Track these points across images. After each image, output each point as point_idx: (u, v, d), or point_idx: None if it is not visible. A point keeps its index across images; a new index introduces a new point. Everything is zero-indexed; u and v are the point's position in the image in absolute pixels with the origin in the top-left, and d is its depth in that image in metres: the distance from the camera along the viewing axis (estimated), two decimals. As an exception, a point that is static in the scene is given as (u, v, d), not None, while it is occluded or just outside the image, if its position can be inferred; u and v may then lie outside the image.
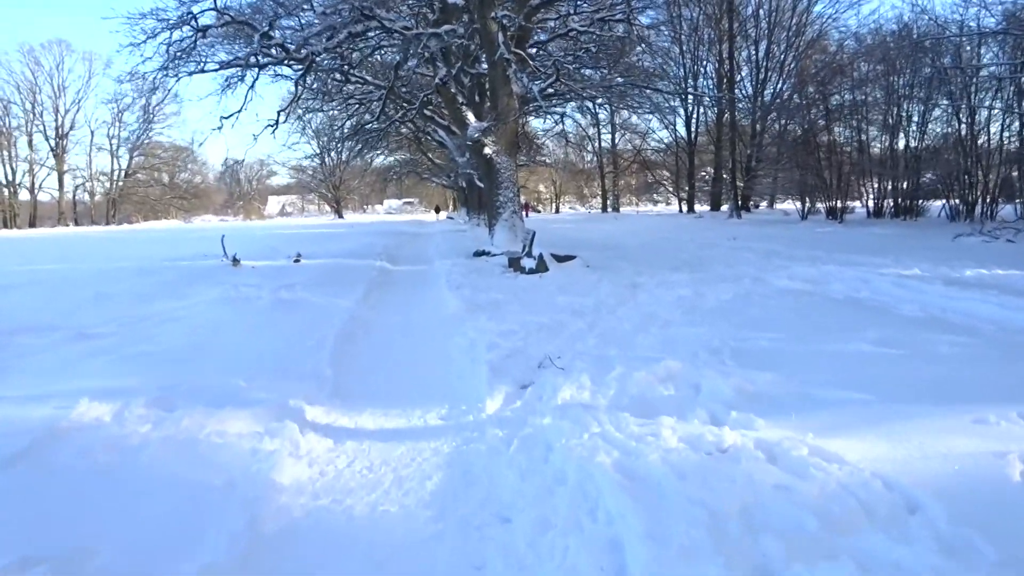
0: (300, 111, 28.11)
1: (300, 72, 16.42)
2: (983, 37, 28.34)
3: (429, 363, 6.39)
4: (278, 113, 17.40)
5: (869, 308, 7.72)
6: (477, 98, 21.06)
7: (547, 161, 54.80)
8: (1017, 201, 29.82)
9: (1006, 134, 31.35)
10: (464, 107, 17.80)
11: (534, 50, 19.69)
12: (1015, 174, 31.06)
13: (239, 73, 15.69)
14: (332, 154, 67.97)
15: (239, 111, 15.58)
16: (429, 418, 4.89)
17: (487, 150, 16.36)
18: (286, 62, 16.31)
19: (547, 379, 5.32)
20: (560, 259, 13.25)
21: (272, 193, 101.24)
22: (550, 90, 19.25)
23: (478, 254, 16.40)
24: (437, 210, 69.00)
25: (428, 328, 8.09)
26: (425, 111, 23.66)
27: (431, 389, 5.56)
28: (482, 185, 21.19)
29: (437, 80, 17.11)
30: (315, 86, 22.93)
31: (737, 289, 9.31)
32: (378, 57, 23.20)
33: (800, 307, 7.78)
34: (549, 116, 32.93)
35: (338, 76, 20.69)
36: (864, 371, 4.95)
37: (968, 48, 30.63)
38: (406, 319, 8.79)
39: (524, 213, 40.62)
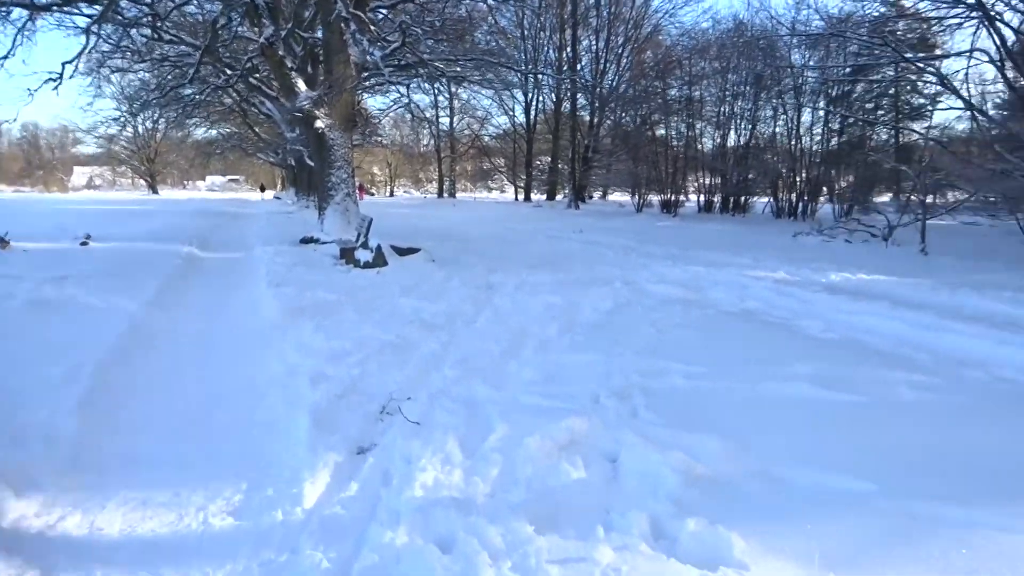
0: (106, 70, 24.43)
1: (95, 18, 13.66)
2: (812, 39, 29.16)
3: (228, 405, 4.57)
4: (63, 66, 14.52)
5: (772, 325, 6.64)
6: (311, 68, 18.82)
7: (383, 142, 52.56)
8: (836, 200, 31.11)
9: (823, 134, 32.67)
10: (294, 73, 15.60)
11: (381, 16, 17.76)
12: (833, 173, 32.49)
13: (2, 10, 12.70)
14: (147, 123, 61.90)
15: (4, 57, 12.63)
16: (213, 517, 3.13)
17: (319, 123, 14.34)
18: (75, 3, 13.53)
19: (395, 440, 3.72)
20: (401, 252, 11.56)
21: (79, 164, 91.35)
22: (394, 61, 17.39)
23: (306, 241, 14.38)
24: (262, 189, 64.77)
25: (235, 344, 6.20)
26: (251, 79, 21.12)
27: (225, 453, 3.79)
28: (312, 163, 19.04)
29: (262, 39, 14.81)
30: (119, 40, 19.75)
31: (613, 296, 8.03)
32: (194, 8, 20.37)
33: (696, 323, 6.57)
34: (388, 93, 30.94)
35: (147, 31, 17.79)
36: (830, 433, 3.70)
37: (799, 50, 31.48)
38: (207, 329, 6.82)
39: (359, 196, 38.37)
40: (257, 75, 22.47)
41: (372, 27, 14.57)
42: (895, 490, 2.97)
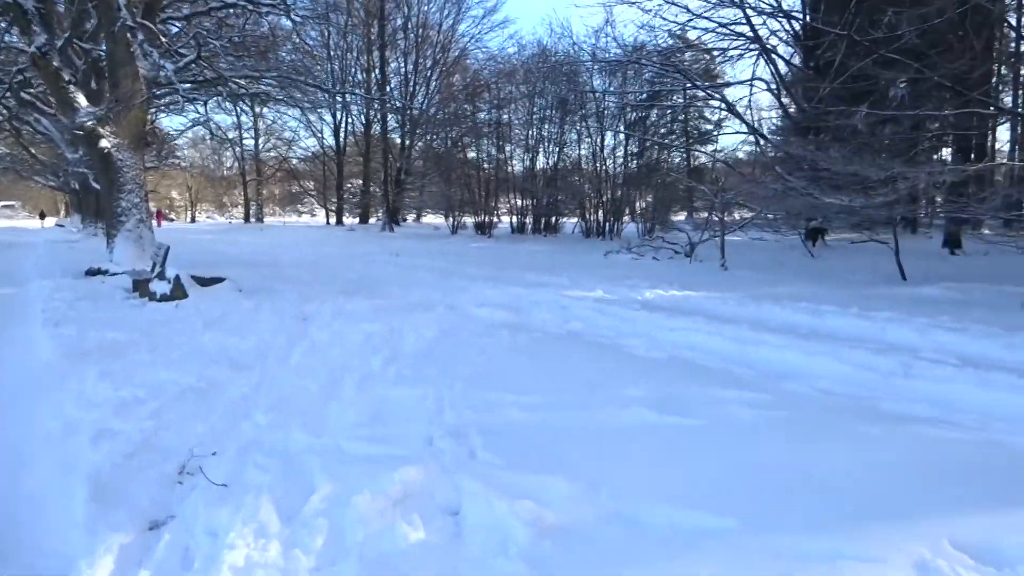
0: None
1: None
2: (611, 66, 30.56)
3: (-16, 475, 3.77)
4: None
5: (599, 347, 6.54)
6: (95, 83, 17.11)
7: (182, 164, 49.52)
8: (639, 220, 32.69)
9: (624, 157, 34.29)
10: (72, 87, 14.05)
11: (175, 29, 16.48)
12: (633, 194, 34.19)
13: None
14: None
15: None
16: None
17: (104, 143, 13.00)
18: None
19: (197, 509, 3.16)
20: (204, 282, 10.61)
21: None
22: (190, 76, 16.20)
23: (92, 273, 12.96)
24: (42, 216, 58.97)
25: (-2, 397, 5.26)
26: (22, 93, 19.00)
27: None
28: (99, 187, 17.34)
29: (33, 49, 13.25)
30: None
31: (437, 322, 7.68)
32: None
33: (525, 348, 6.34)
34: (186, 111, 29.07)
35: None
36: (678, 463, 3.52)
37: (600, 76, 32.80)
38: (-39, 382, 5.77)
39: (156, 222, 35.67)
40: (31, 89, 20.29)
41: (163, 39, 13.45)
42: (756, 524, 2.82)
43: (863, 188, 13.34)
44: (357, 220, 44.38)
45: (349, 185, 47.36)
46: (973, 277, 14.31)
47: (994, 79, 27.38)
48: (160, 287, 9.81)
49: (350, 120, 44.53)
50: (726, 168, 28.56)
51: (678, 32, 27.98)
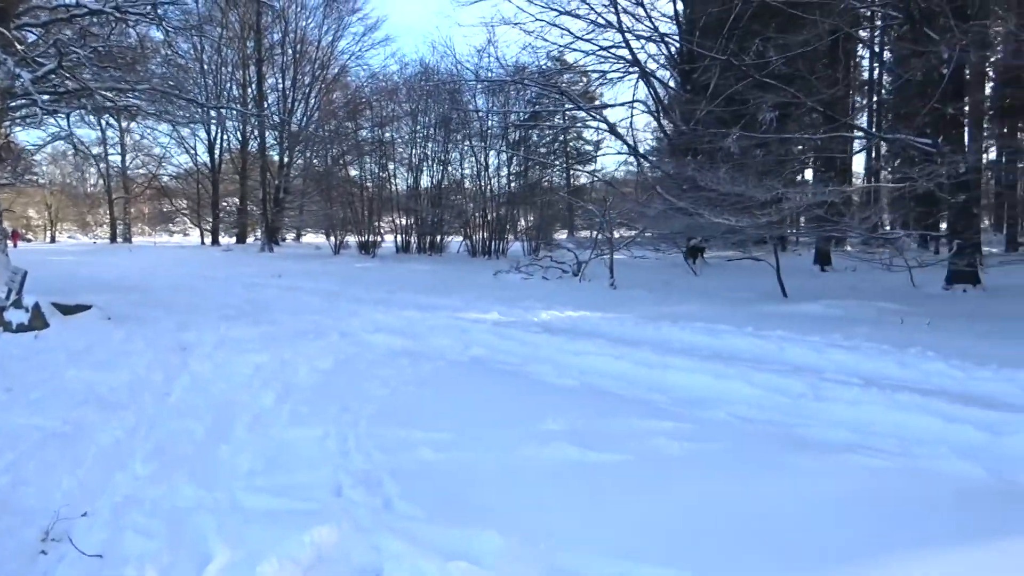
0: None
1: None
2: (494, 85, 30.64)
3: None
4: None
5: (507, 375, 6.27)
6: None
7: (40, 181, 46.31)
8: (524, 238, 32.86)
9: (507, 176, 34.44)
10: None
11: (32, 37, 15.23)
12: (517, 213, 34.38)
13: None
14: None
15: None
16: None
17: (-53, 157, 11.79)
18: None
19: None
20: (67, 309, 9.68)
21: None
22: (50, 87, 14.99)
23: (-67, 301, 11.67)
24: None
25: None
26: None
27: None
28: (-60, 206, 15.75)
29: None
30: None
31: (331, 350, 7.20)
32: None
33: (429, 378, 5.99)
34: (45, 125, 27.09)
35: None
36: (614, 506, 3.26)
37: (483, 96, 32.81)
38: None
39: (11, 243, 33.03)
40: None
41: (19, 46, 12.36)
42: (704, 568, 2.60)
43: (745, 208, 13.72)
44: (234, 240, 42.63)
45: (225, 204, 45.50)
46: (847, 293, 14.95)
47: (855, 104, 29.13)
48: (16, 316, 8.88)
49: (226, 136, 42.81)
50: (608, 188, 29.06)
51: (556, 55, 28.43)
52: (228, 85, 40.80)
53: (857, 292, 15.44)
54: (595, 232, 19.67)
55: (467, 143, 33.47)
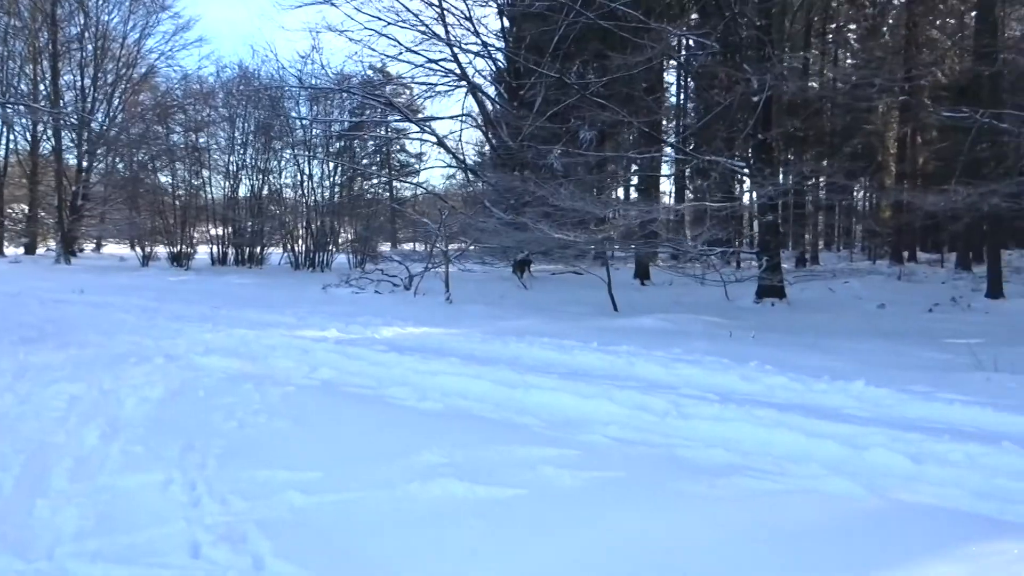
0: None
1: None
2: (317, 93, 29.72)
3: None
4: None
5: (365, 400, 5.82)
6: None
7: None
8: (349, 251, 32.09)
9: (330, 187, 33.54)
10: None
11: None
12: (338, 224, 33.51)
13: None
14: None
15: None
16: None
17: None
18: None
19: None
20: None
21: None
22: None
23: None
24: None
25: None
26: None
27: None
28: None
29: None
30: None
31: (160, 376, 6.42)
32: None
33: (280, 407, 5.42)
34: None
35: None
36: (519, 550, 2.96)
37: (306, 103, 31.76)
38: None
39: None
40: None
41: None
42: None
43: (581, 222, 13.98)
44: (22, 251, 38.50)
45: (11, 210, 41.01)
46: (672, 307, 15.59)
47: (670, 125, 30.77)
48: None
49: (13, 137, 38.64)
50: (440, 200, 28.92)
51: (379, 67, 27.98)
52: (17, 80, 36.85)
53: (681, 306, 16.14)
54: (430, 245, 19.35)
55: (289, 151, 32.16)
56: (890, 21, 29.99)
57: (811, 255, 33.33)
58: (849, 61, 32.83)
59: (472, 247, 22.33)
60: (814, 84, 27.37)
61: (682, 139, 25.34)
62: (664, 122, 27.42)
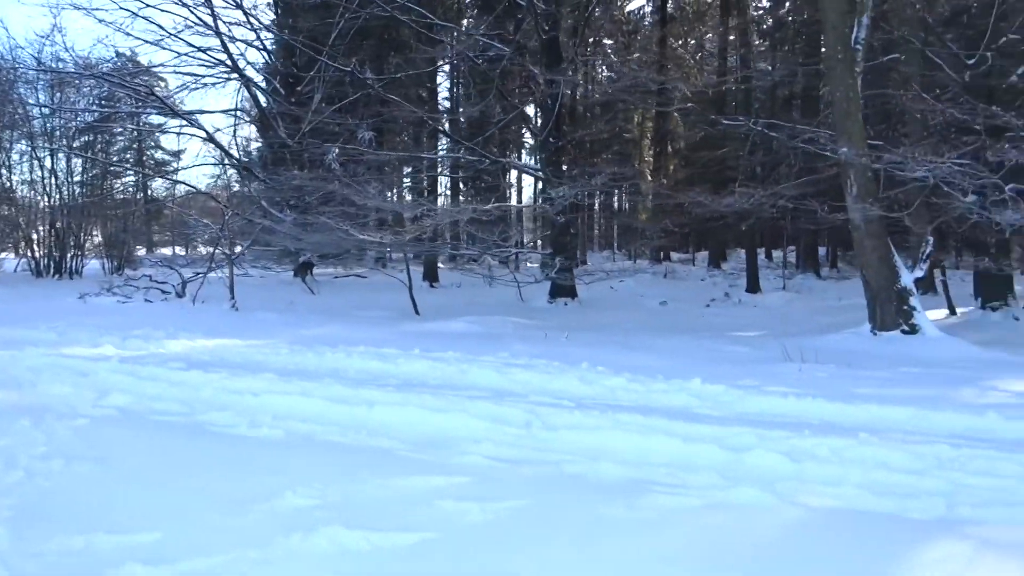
0: None
1: None
2: (61, 78, 26.45)
3: None
4: None
5: (185, 429, 4.84)
6: None
7: None
8: (104, 256, 29.04)
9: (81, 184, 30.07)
10: None
11: None
12: (86, 227, 30.09)
13: None
14: None
15: None
16: None
17: None
18: None
19: None
20: None
21: None
22: None
23: None
24: None
25: None
26: None
27: None
28: None
29: None
30: None
31: None
32: None
33: (75, 447, 4.28)
34: None
35: None
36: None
37: (45, 91, 28.22)
38: None
39: None
40: None
41: None
42: None
43: (381, 223, 13.38)
44: None
45: None
46: (473, 309, 15.43)
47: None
48: None
49: None
50: (202, 200, 26.76)
51: (129, 55, 25.37)
52: None
53: (479, 307, 16.00)
54: (213, 247, 17.67)
55: (25, 143, 28.31)
56: (638, 39, 31.76)
57: (580, 256, 34.75)
58: (606, 74, 34.50)
59: (246, 250, 20.79)
60: (598, 94, 28.48)
61: (479, 141, 25.28)
62: (448, 123, 27.28)
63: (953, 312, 15.32)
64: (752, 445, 4.62)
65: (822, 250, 29.26)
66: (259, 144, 29.32)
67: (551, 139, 16.43)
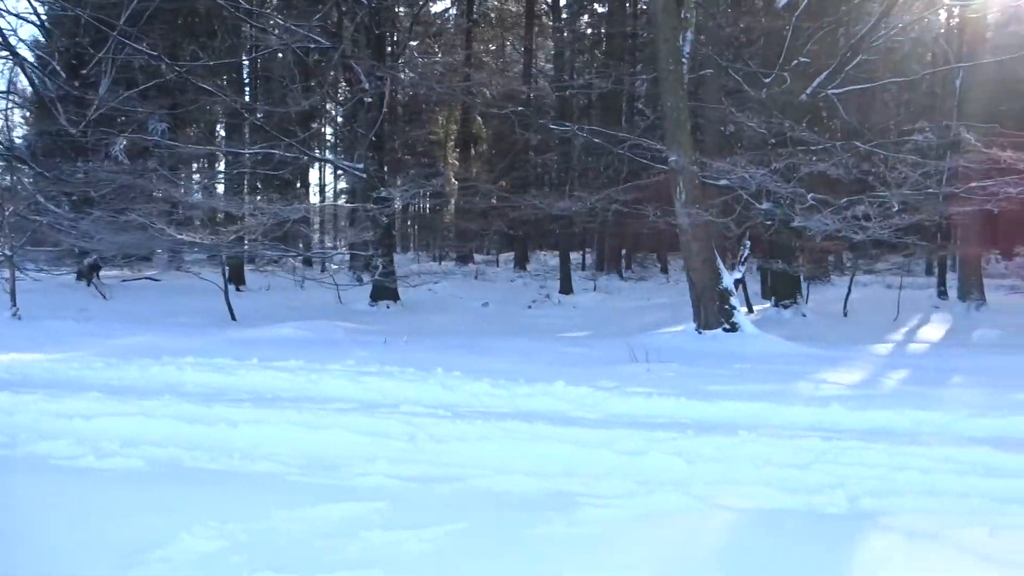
0: None
1: None
2: None
3: None
4: None
5: (22, 467, 4.05)
6: None
7: None
8: None
9: None
10: None
11: None
12: None
13: None
14: None
15: None
16: None
17: None
18: None
19: None
20: None
21: None
22: None
23: None
24: None
25: None
26: None
27: None
28: None
29: None
30: None
31: None
32: None
33: None
34: None
35: None
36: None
37: None
38: None
39: None
40: None
41: None
42: None
43: (176, 220, 12.39)
44: None
45: None
46: (292, 314, 14.68)
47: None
48: None
49: None
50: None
51: None
52: None
53: (299, 312, 15.28)
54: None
55: None
56: (441, 43, 31.68)
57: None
58: (410, 74, 34.14)
59: (19, 250, 18.50)
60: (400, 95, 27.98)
61: (303, 139, 24.10)
62: (257, 117, 25.77)
63: (751, 310, 16.56)
64: (643, 448, 4.63)
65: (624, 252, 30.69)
66: (27, 131, 26.30)
67: (373, 138, 15.98)
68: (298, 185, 27.78)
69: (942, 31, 21.30)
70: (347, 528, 3.10)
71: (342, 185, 37.16)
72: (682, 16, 10.66)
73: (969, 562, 2.90)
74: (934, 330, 14.59)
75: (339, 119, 27.42)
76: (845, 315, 16.19)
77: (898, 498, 3.80)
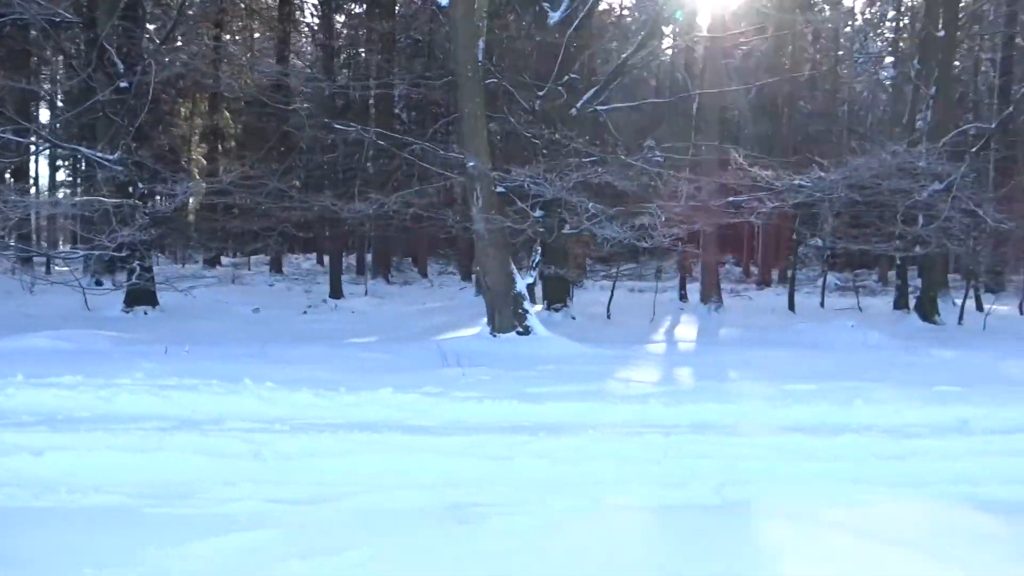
0: None
1: None
2: None
3: None
4: None
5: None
6: None
7: None
8: None
9: None
10: None
11: None
12: None
13: None
14: None
15: None
16: None
17: None
18: None
19: None
20: None
21: None
22: None
23: None
24: None
25: None
26: None
27: None
28: None
29: None
30: None
31: None
32: None
33: None
34: None
35: None
36: None
37: None
38: None
39: None
40: None
41: None
42: None
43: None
44: None
45: None
46: (29, 321, 13.08)
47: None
48: None
49: None
50: None
51: None
52: None
53: (40, 320, 13.55)
54: None
55: None
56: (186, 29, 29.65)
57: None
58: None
59: None
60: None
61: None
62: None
63: (526, 313, 17.18)
64: (508, 453, 4.65)
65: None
66: None
67: (131, 127, 14.56)
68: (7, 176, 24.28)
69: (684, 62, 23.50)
70: (256, 561, 2.78)
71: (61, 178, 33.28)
72: (476, 25, 10.80)
73: (850, 538, 3.21)
74: (687, 330, 16.01)
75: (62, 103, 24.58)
76: (608, 317, 17.26)
77: (752, 485, 4.13)
